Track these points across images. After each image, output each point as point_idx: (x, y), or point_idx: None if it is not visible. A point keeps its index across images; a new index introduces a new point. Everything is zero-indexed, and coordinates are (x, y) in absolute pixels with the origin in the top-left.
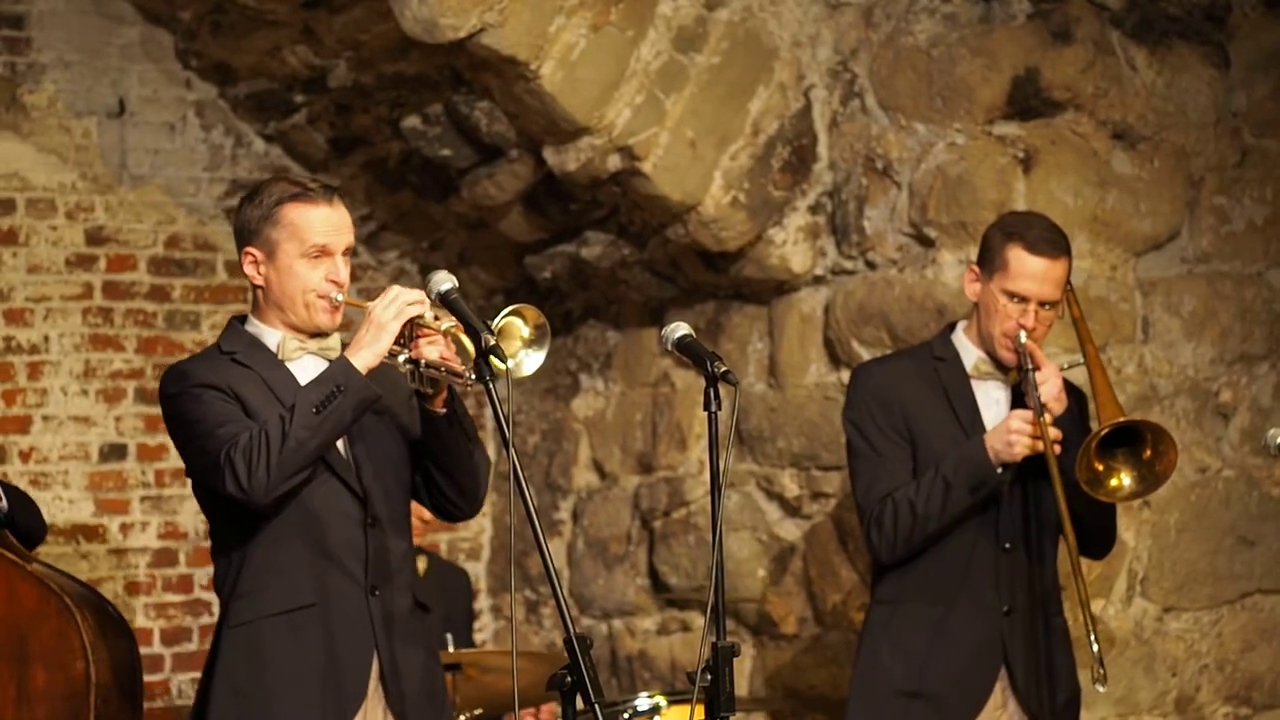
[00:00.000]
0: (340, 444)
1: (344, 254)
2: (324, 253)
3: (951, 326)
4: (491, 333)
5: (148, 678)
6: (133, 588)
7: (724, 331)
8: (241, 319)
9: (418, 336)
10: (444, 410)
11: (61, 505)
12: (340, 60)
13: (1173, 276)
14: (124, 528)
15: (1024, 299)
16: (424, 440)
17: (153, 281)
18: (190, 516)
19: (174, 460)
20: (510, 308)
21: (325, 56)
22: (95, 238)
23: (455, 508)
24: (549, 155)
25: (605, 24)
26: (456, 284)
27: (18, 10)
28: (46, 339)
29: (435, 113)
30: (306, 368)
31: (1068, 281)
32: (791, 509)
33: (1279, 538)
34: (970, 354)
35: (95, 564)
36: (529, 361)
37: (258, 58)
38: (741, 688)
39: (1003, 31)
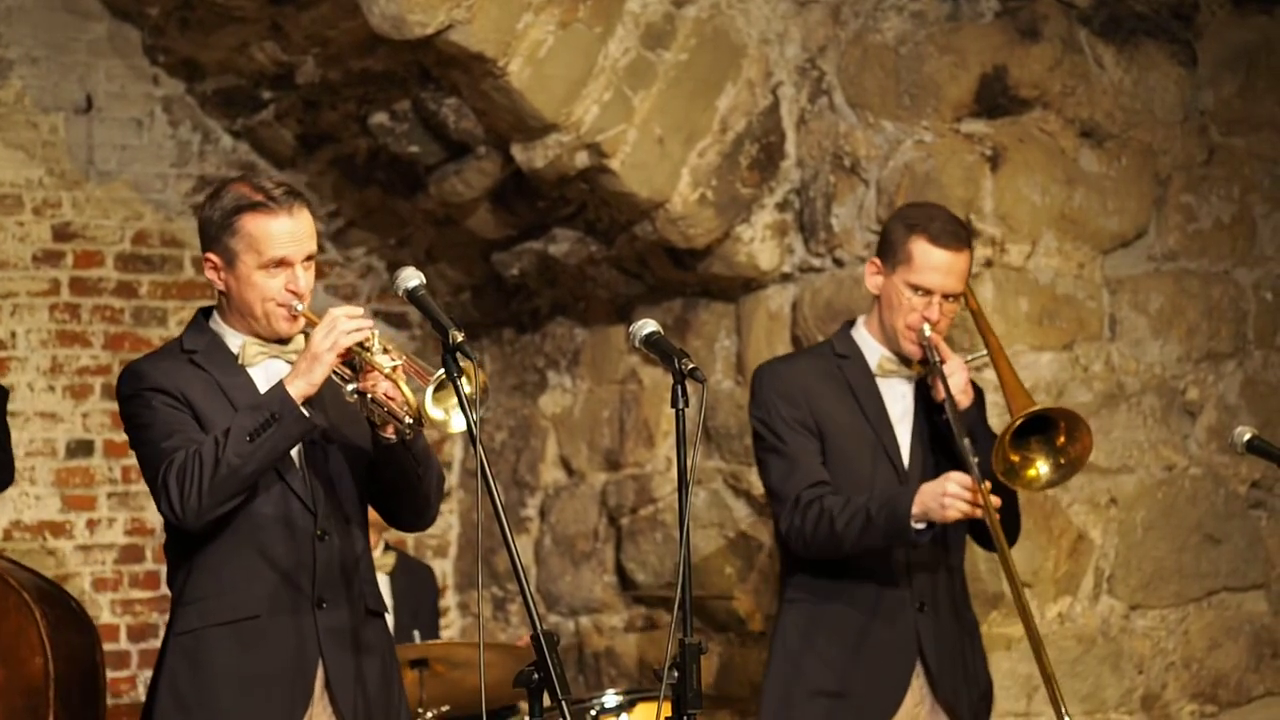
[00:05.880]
0: (294, 454)
1: (305, 261)
2: (283, 264)
3: (851, 323)
4: (460, 329)
5: (114, 674)
6: (100, 584)
7: (692, 329)
8: (207, 312)
9: (366, 368)
10: (394, 439)
11: (28, 501)
12: (308, 57)
13: (1140, 274)
14: (91, 524)
15: (928, 292)
16: (375, 460)
17: (120, 278)
18: (156, 513)
19: None
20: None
21: (293, 53)
22: (62, 234)
23: (406, 523)
24: (517, 152)
25: (573, 21)
26: (424, 280)
27: None
28: (13, 335)
29: (403, 109)
30: (269, 370)
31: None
32: (759, 506)
33: (1245, 536)
34: (873, 351)
35: (62, 560)
36: (459, 419)
37: (225, 54)
38: (708, 684)
39: (970, 29)
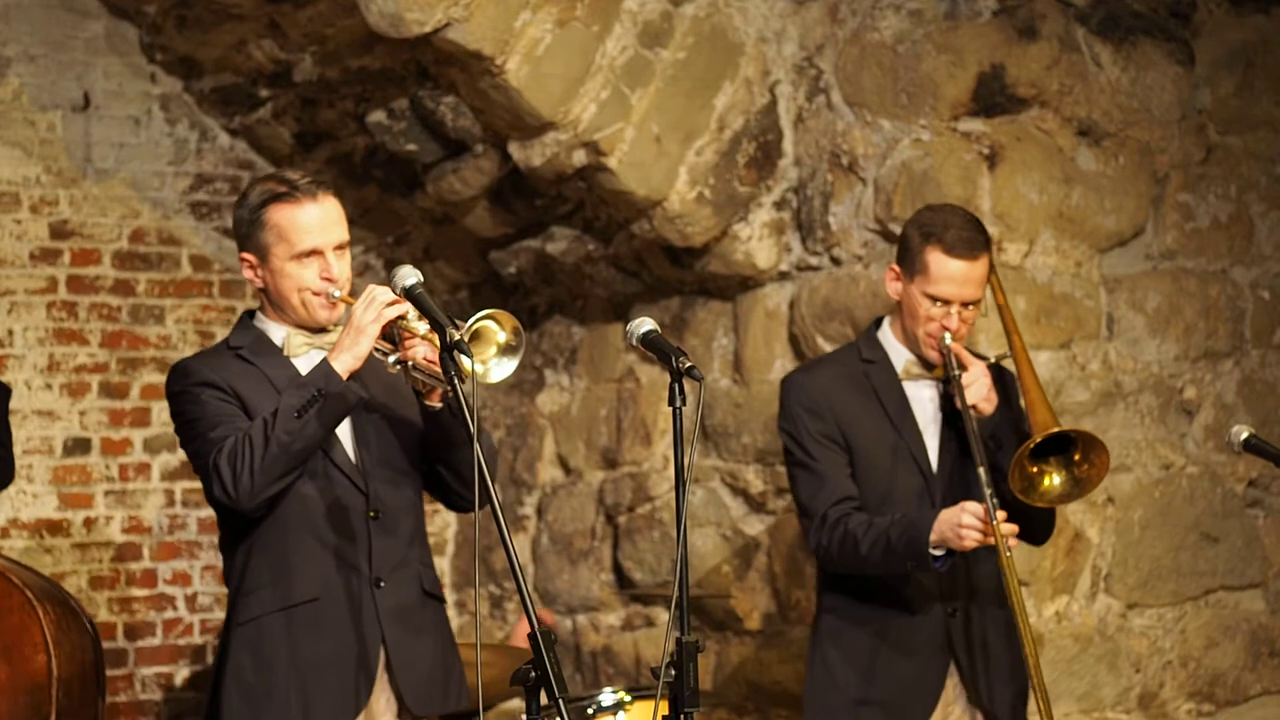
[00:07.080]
0: (344, 437)
1: (337, 249)
2: (314, 252)
3: (878, 323)
4: (457, 328)
5: (111, 672)
6: (96, 582)
7: (689, 327)
8: (251, 314)
9: (405, 337)
10: (439, 405)
11: (25, 499)
12: (305, 55)
13: (1137, 273)
14: (88, 522)
15: (946, 302)
16: (425, 433)
17: (117, 276)
18: (154, 511)
19: (138, 455)
20: (486, 311)
21: (290, 51)
22: (59, 232)
23: (461, 498)
24: (514, 150)
25: (571, 19)
26: (422, 279)
27: None
28: (10, 333)
29: (400, 107)
30: (312, 361)
31: (991, 271)
32: (756, 504)
33: (1242, 534)
34: (899, 355)
35: (59, 558)
36: (499, 369)
37: (223, 52)
38: (706, 683)
39: (968, 28)
